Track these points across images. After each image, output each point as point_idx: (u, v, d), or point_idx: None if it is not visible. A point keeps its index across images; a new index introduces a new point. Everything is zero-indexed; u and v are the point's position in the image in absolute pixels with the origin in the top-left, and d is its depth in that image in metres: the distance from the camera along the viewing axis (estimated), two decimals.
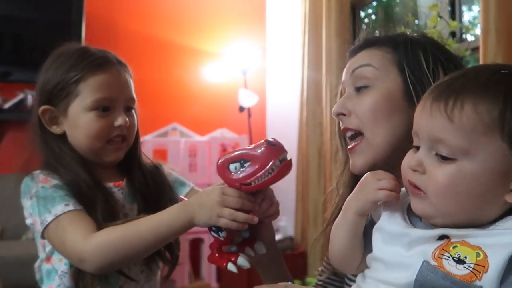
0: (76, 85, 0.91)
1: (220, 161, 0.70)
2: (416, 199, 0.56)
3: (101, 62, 0.93)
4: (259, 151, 0.67)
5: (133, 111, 0.99)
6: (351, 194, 0.64)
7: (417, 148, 0.57)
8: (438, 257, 0.51)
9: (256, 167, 0.66)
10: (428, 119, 0.55)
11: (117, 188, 0.97)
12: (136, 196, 0.98)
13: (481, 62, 1.57)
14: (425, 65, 0.73)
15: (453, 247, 0.51)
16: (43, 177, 0.90)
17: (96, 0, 3.02)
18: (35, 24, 2.80)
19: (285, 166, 0.68)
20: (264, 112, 3.51)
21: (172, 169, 1.13)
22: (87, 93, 0.91)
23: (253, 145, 0.70)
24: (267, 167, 0.66)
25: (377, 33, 0.85)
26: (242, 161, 0.68)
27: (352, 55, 0.81)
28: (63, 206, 0.85)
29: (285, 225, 3.05)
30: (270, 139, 0.69)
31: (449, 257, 0.51)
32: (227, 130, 3.13)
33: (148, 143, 2.70)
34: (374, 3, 2.89)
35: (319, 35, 2.74)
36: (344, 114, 0.77)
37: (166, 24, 3.26)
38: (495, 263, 0.48)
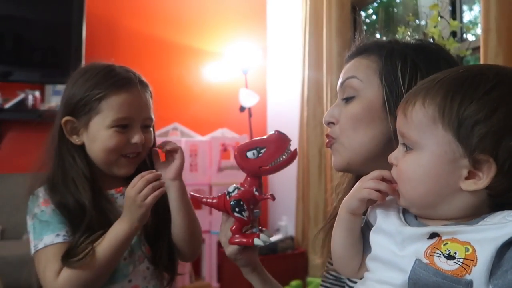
0: (99, 102, 0.96)
1: (237, 151, 0.79)
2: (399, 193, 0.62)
3: (124, 83, 0.98)
4: (274, 139, 0.78)
5: (151, 128, 1.04)
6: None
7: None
8: (430, 255, 0.53)
9: (273, 151, 0.77)
10: (398, 118, 0.62)
11: (119, 193, 1.02)
12: None
13: (481, 62, 1.57)
14: (400, 77, 0.75)
15: (444, 245, 0.53)
16: (44, 199, 0.96)
17: (97, 0, 3.02)
18: (35, 24, 2.78)
19: (295, 152, 0.79)
20: (265, 112, 3.51)
21: None
22: (108, 111, 0.96)
23: (261, 137, 0.80)
24: (283, 151, 0.77)
25: (377, 36, 0.86)
26: (258, 148, 0.78)
27: (345, 63, 0.84)
28: (53, 236, 0.91)
29: (285, 225, 3.05)
30: (279, 130, 0.80)
31: (440, 254, 0.53)
32: (227, 130, 3.13)
33: None
34: (375, 3, 2.89)
35: (320, 35, 2.74)
36: (333, 123, 0.80)
37: (167, 24, 3.26)
38: (483, 256, 0.50)
